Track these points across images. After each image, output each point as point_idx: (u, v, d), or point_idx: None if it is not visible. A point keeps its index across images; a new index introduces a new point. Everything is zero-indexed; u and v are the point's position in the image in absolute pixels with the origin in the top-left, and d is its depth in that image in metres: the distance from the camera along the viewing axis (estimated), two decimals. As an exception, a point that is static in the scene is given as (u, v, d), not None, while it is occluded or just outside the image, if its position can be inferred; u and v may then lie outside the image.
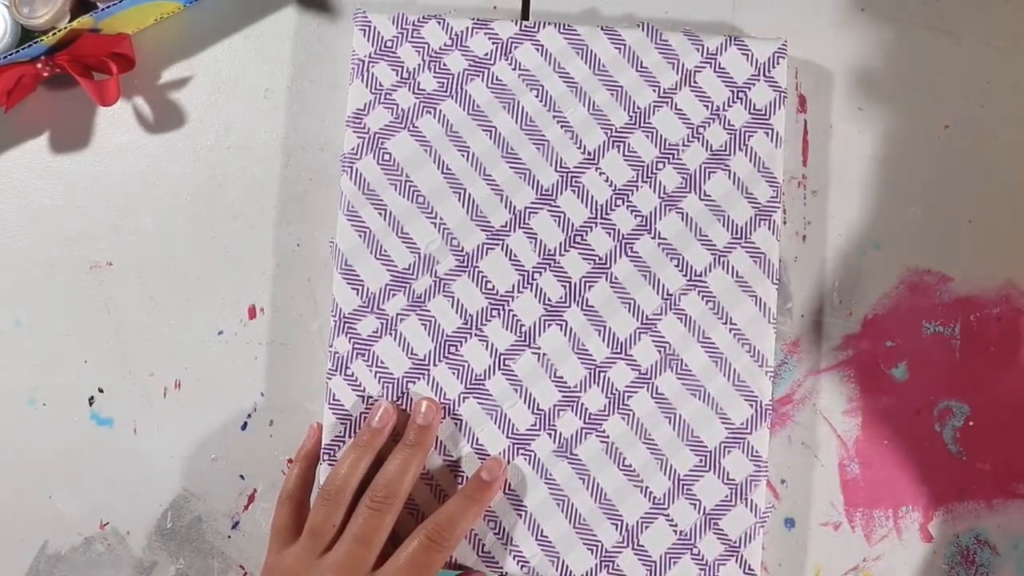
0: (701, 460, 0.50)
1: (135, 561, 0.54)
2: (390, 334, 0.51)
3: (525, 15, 0.56)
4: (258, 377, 0.55)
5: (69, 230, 0.56)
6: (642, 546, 0.50)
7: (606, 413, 0.51)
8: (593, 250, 0.52)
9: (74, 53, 0.53)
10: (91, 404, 0.55)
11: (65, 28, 0.52)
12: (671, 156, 0.52)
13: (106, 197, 0.56)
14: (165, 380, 0.55)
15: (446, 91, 0.53)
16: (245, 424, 0.54)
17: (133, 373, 0.55)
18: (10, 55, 0.52)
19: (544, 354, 0.51)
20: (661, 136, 0.52)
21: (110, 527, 0.54)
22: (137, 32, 0.56)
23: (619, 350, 0.51)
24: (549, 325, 0.51)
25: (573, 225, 0.52)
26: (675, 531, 0.50)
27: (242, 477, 0.54)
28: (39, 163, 0.56)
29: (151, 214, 0.56)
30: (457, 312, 0.51)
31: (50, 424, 0.55)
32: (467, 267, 0.52)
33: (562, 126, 0.53)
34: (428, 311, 0.51)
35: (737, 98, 0.52)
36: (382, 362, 0.51)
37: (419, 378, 0.51)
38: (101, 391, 0.55)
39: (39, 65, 0.53)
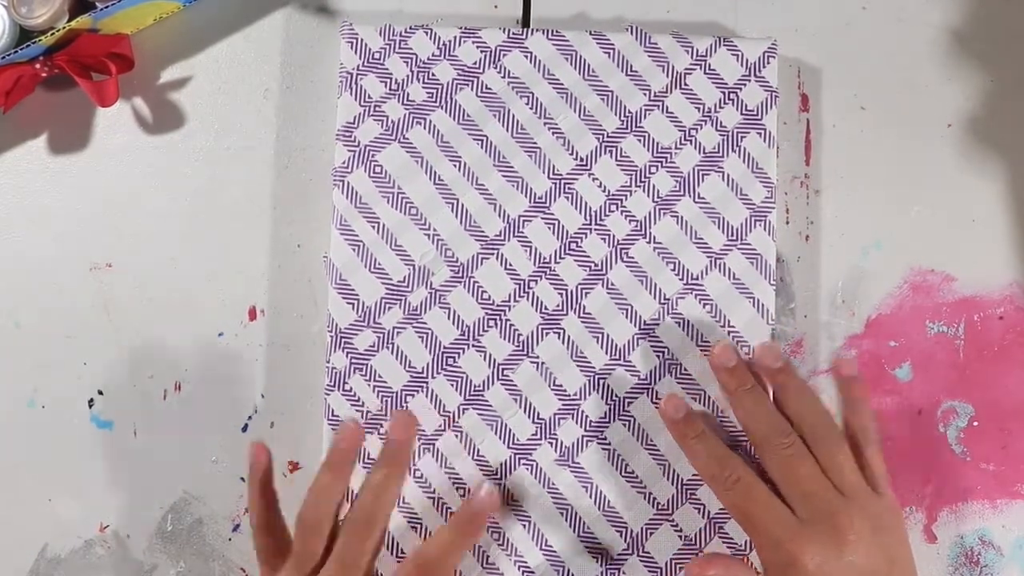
0: (704, 464, 0.50)
1: (135, 564, 0.54)
2: (387, 348, 0.51)
3: (526, 15, 0.56)
4: (258, 379, 0.54)
5: (68, 231, 0.55)
6: (647, 552, 0.50)
7: (607, 420, 0.50)
8: (588, 257, 0.51)
9: (73, 53, 0.53)
10: (91, 406, 0.54)
11: (63, 28, 0.52)
12: (664, 160, 0.52)
13: (105, 198, 0.56)
14: (165, 382, 0.54)
15: (436, 101, 0.52)
16: (246, 426, 0.54)
17: (133, 375, 0.55)
18: (8, 55, 0.52)
19: (543, 363, 0.51)
20: (653, 140, 0.52)
21: (110, 530, 0.54)
22: (136, 32, 0.56)
23: (618, 356, 0.51)
24: (547, 333, 0.51)
25: (567, 232, 0.52)
26: (680, 537, 0.50)
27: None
28: (38, 164, 0.56)
29: (151, 215, 0.55)
30: (454, 323, 0.51)
31: (49, 426, 0.54)
32: (462, 278, 0.51)
33: (553, 133, 0.52)
34: (424, 323, 0.51)
35: (728, 99, 0.52)
36: (380, 376, 0.51)
37: (418, 391, 0.51)
38: (101, 393, 0.55)
39: (37, 65, 0.53)
